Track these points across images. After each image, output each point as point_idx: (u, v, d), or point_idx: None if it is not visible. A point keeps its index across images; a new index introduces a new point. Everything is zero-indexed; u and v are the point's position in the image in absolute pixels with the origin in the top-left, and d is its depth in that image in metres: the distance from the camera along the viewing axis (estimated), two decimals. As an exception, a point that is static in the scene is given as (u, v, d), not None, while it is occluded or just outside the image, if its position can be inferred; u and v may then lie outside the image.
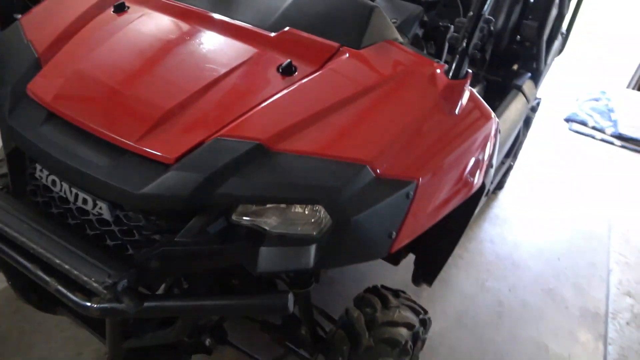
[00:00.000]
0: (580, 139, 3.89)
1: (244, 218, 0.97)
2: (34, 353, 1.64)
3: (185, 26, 1.21)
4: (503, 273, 2.35)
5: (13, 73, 1.15)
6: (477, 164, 1.15)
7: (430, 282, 1.62)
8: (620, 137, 3.83)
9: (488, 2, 1.05)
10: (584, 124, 3.99)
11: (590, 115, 4.09)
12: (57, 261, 0.95)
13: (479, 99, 1.18)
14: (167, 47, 1.13)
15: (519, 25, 1.90)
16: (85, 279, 0.92)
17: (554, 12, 1.88)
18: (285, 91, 1.03)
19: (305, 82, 1.06)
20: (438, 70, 1.12)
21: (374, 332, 1.19)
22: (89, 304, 0.94)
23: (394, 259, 1.64)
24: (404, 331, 1.21)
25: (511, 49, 1.97)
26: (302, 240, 0.95)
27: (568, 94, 4.65)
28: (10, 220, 1.00)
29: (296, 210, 0.97)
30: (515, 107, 1.82)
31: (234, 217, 0.97)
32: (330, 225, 0.92)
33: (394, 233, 0.97)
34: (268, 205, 0.97)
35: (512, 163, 2.66)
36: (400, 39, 1.19)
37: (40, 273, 0.99)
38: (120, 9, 1.29)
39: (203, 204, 0.93)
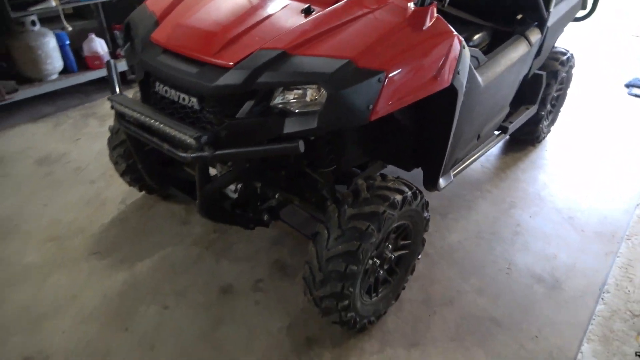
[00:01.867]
0: (637, 101, 3.93)
1: (278, 104, 1.54)
2: (153, 239, 2.35)
3: (245, -9, 1.82)
4: (527, 203, 2.66)
5: (143, 30, 1.83)
6: (442, 67, 1.60)
7: (435, 185, 2.06)
8: (682, 97, 3.82)
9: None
10: (645, 87, 4.03)
11: (654, 80, 4.10)
12: (167, 130, 1.58)
13: (443, 22, 1.63)
14: (234, 3, 1.75)
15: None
16: (182, 136, 1.54)
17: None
18: (303, 22, 1.59)
19: (316, 16, 1.60)
20: (410, 3, 1.60)
21: (372, 191, 1.68)
22: (185, 154, 1.56)
23: (405, 166, 2.12)
24: (394, 194, 1.68)
25: (517, 2, 2.32)
26: (311, 113, 1.49)
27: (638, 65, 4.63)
28: (143, 110, 1.67)
29: (307, 97, 1.50)
30: (514, 48, 2.18)
31: (271, 103, 1.54)
32: (326, 99, 1.45)
33: (371, 106, 1.47)
34: (293, 97, 1.52)
35: (543, 113, 2.93)
36: (388, -14, 1.69)
37: (157, 140, 1.64)
38: (207, -13, 1.94)
39: (251, 90, 1.51)
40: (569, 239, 2.41)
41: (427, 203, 1.87)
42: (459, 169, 2.26)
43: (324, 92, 1.46)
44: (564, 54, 2.93)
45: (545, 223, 2.52)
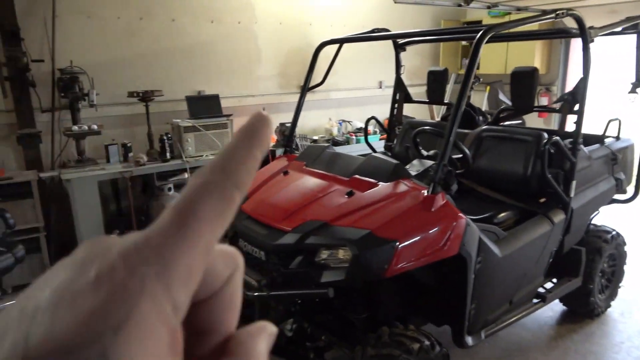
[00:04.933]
0: None
1: (320, 260, 2.07)
2: None
3: (310, 178, 2.53)
4: None
5: (237, 202, 2.59)
6: (448, 239, 2.04)
7: (462, 342, 2.31)
8: None
9: (445, 155, 2.10)
10: None
11: None
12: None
13: (450, 204, 2.12)
14: (299, 186, 2.45)
15: (543, 171, 2.68)
16: (249, 280, 2.11)
17: (567, 163, 2.66)
18: (345, 202, 2.20)
19: (355, 197, 2.21)
20: (424, 191, 2.14)
21: (392, 337, 2.02)
22: (250, 293, 2.11)
23: (436, 322, 2.42)
24: (412, 342, 2.01)
25: (541, 188, 2.73)
26: (342, 268, 1.99)
27: None
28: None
29: (339, 255, 2.03)
30: (536, 226, 2.55)
31: (315, 259, 2.08)
32: (352, 257, 1.95)
33: (386, 266, 1.93)
34: (330, 256, 2.06)
35: (591, 286, 3.05)
36: (411, 176, 2.27)
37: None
38: (286, 173, 2.71)
39: (300, 249, 2.08)
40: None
41: (447, 355, 2.13)
42: (492, 330, 2.48)
43: (350, 252, 1.98)
44: (608, 232, 3.15)
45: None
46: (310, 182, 2.50)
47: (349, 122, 6.20)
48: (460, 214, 2.12)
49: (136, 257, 0.20)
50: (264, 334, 0.25)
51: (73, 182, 3.86)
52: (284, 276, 2.11)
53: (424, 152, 2.64)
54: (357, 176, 2.37)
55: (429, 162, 2.46)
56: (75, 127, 3.92)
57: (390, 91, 6.41)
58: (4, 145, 4.08)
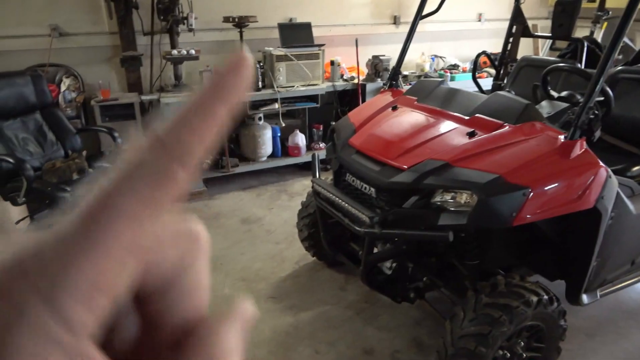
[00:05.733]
0: None
1: (437, 201, 1.97)
2: (316, 296, 2.87)
3: (424, 114, 2.37)
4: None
5: (344, 135, 2.50)
6: (585, 191, 1.85)
7: (577, 300, 2.17)
8: None
9: (592, 97, 1.85)
10: None
11: None
12: (350, 208, 2.13)
13: (591, 154, 1.90)
14: (414, 123, 2.31)
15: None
16: (360, 215, 2.06)
17: None
18: (467, 142, 2.04)
19: (479, 138, 2.04)
20: (561, 136, 1.93)
21: (509, 287, 1.93)
22: (360, 228, 2.07)
23: (548, 276, 2.28)
24: (530, 294, 1.90)
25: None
26: (462, 212, 1.88)
27: None
28: (334, 192, 2.27)
29: (460, 198, 1.91)
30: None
31: (432, 200, 1.98)
32: (477, 202, 1.83)
33: (515, 214, 1.80)
34: (449, 198, 1.95)
35: None
36: (543, 119, 2.05)
37: (341, 215, 2.19)
38: (395, 108, 2.56)
39: (416, 188, 1.98)
40: None
41: (564, 312, 2.02)
42: (608, 290, 2.32)
43: (475, 197, 1.85)
44: None
45: None
46: (425, 119, 2.34)
47: (441, 57, 5.80)
48: (602, 164, 1.91)
49: (16, 278, 0.16)
50: (234, 325, 0.22)
51: (172, 107, 3.95)
52: (396, 215, 2.04)
53: (554, 93, 2.37)
54: (479, 115, 2.19)
55: (562, 105, 2.22)
56: (175, 52, 3.95)
57: (491, 25, 5.89)
58: (108, 66, 4.23)
